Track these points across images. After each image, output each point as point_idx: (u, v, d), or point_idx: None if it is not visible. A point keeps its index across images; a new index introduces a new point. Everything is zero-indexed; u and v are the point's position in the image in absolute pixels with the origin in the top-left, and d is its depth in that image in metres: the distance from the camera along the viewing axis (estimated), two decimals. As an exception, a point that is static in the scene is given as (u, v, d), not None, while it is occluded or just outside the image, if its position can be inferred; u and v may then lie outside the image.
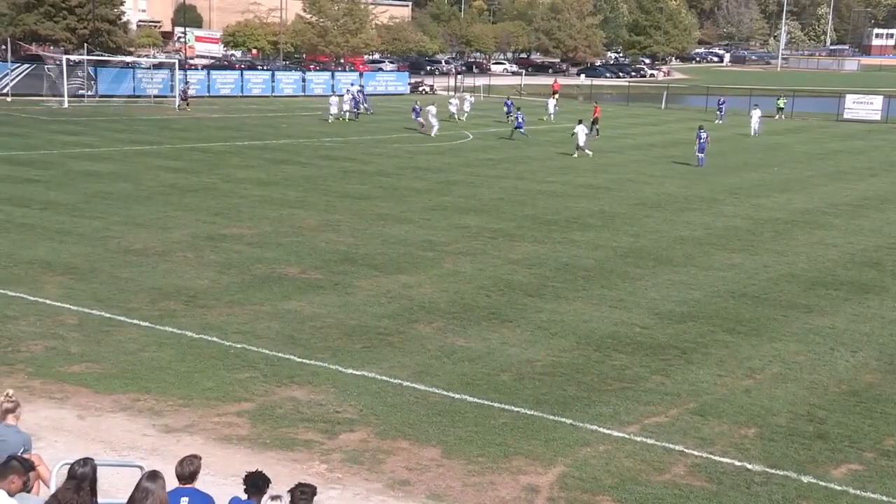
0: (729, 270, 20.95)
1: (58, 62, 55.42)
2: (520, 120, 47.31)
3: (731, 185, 34.12)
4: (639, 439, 11.84)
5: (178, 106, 54.65)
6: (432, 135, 46.34)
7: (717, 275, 20.50)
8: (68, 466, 7.43)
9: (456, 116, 54.13)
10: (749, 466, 11.19)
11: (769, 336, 16.31)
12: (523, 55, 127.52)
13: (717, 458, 11.36)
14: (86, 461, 7.33)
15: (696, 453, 11.48)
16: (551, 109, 58.97)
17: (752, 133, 52.59)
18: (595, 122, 50.14)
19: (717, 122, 58.53)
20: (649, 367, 14.50)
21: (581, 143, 40.66)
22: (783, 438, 12.03)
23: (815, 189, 34.20)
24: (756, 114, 53.45)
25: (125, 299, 16.78)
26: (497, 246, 22.47)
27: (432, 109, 48.16)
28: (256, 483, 7.53)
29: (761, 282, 20.07)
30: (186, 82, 59.36)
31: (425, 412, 12.45)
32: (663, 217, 27.22)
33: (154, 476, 7.11)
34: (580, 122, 42.10)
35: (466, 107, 56.79)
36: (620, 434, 11.97)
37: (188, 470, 7.47)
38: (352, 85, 62.18)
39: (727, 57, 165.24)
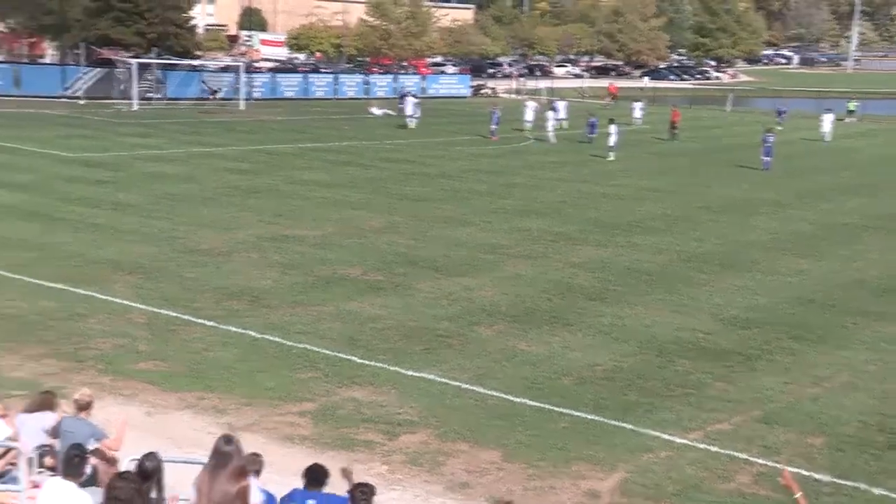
0: (796, 276, 20.57)
1: (128, 66, 56.56)
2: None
3: (799, 189, 33.49)
4: (702, 446, 11.68)
5: (211, 97, 54.51)
6: (552, 141, 45.40)
7: (784, 280, 20.13)
8: (137, 462, 7.59)
9: (528, 127, 48.15)
10: (817, 476, 10.96)
11: (837, 344, 15.97)
12: (585, 58, 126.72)
13: (783, 468, 11.14)
14: (153, 456, 7.48)
15: (761, 462, 11.29)
16: (637, 114, 56.10)
17: (823, 138, 51.02)
18: (674, 126, 49.28)
19: (777, 128, 55.06)
20: (712, 373, 14.30)
21: (612, 144, 40.04)
22: (853, 448, 11.76)
23: (887, 194, 33.40)
24: (828, 118, 51.68)
25: (191, 299, 17.06)
26: (559, 249, 22.36)
27: (548, 114, 47.40)
28: (317, 476, 7.60)
29: (830, 288, 19.67)
30: (211, 87, 59.03)
31: (485, 415, 12.44)
32: (728, 221, 26.83)
33: (230, 439, 7.15)
34: (612, 121, 41.32)
35: (563, 114, 52.25)
36: (683, 441, 11.83)
37: (252, 469, 7.57)
38: (410, 93, 59.24)
39: (796, 59, 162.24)
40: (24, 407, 9.49)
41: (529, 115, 48.79)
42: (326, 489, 7.67)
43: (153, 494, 7.40)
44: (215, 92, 54.08)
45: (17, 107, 50.38)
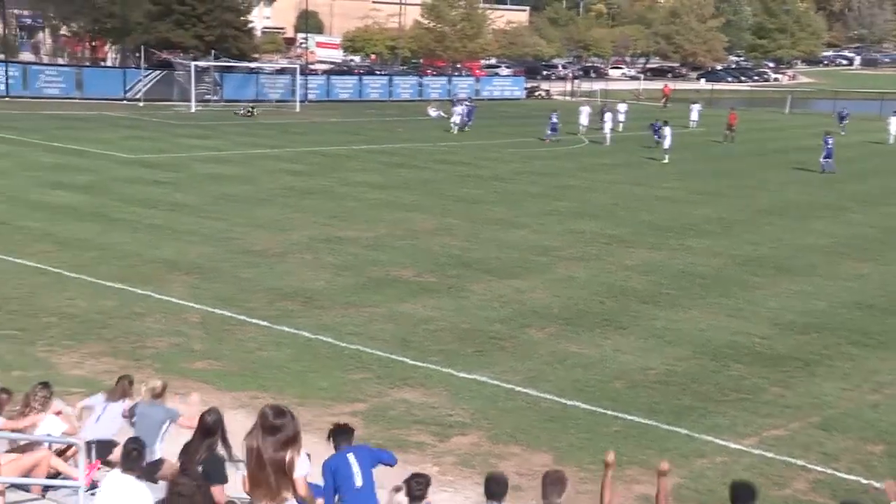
0: (855, 280, 20.17)
1: (187, 68, 57.37)
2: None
3: (859, 193, 32.84)
4: (757, 452, 11.51)
5: (244, 111, 53.63)
6: (607, 143, 44.91)
7: (843, 285, 19.75)
8: (199, 419, 7.98)
9: (582, 130, 47.98)
10: (877, 484, 10.71)
11: (899, 350, 15.61)
12: (640, 60, 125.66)
13: (841, 475, 10.94)
14: (214, 410, 7.88)
15: (818, 469, 11.09)
16: (694, 116, 54.81)
17: (888, 140, 49.79)
18: (731, 128, 48.02)
19: (840, 133, 50.80)
20: (769, 378, 14.08)
21: (666, 146, 39.61)
22: (913, 457, 11.49)
23: (950, 197, 32.59)
24: (895, 120, 50.40)
25: (245, 299, 17.25)
26: (611, 252, 22.19)
27: (607, 117, 46.57)
28: (344, 431, 8.15)
29: (891, 293, 19.25)
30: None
31: (537, 418, 12.40)
32: (785, 224, 26.41)
33: (282, 413, 7.27)
34: (666, 123, 40.91)
35: (621, 117, 51.25)
36: (737, 446, 11.67)
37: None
38: (462, 100, 56.99)
39: (857, 60, 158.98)
40: (108, 394, 9.98)
41: (584, 118, 48.48)
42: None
43: (220, 449, 7.60)
44: (251, 113, 53.37)
45: (78, 109, 51.44)
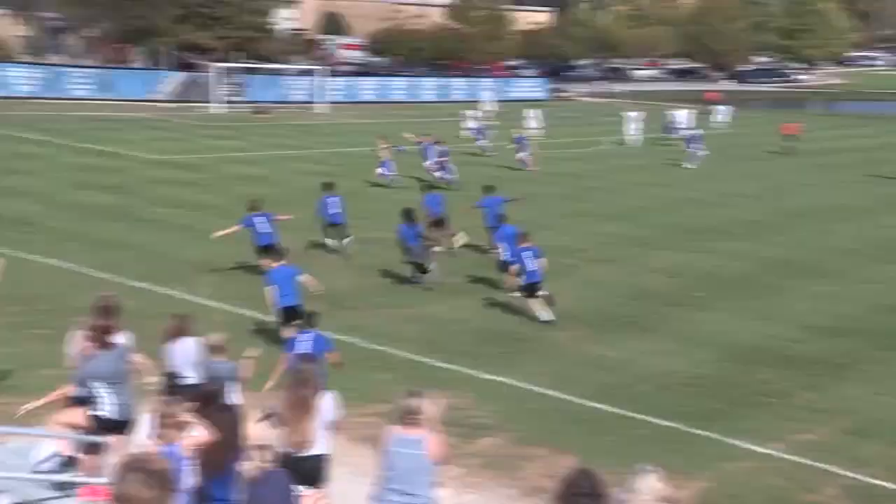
0: (887, 283, 19.96)
1: (212, 70, 57.70)
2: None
3: (890, 195, 32.50)
4: (786, 457, 11.41)
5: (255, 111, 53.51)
6: (633, 144, 43.82)
7: (874, 288, 19.56)
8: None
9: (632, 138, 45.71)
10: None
11: (929, 354, 15.43)
12: (665, 61, 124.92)
13: (872, 481, 10.82)
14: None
15: (849, 475, 10.96)
16: (720, 118, 53.80)
17: None
18: (788, 139, 44.70)
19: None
20: (797, 382, 13.96)
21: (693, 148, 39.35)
22: (945, 463, 11.34)
23: (981, 199, 32.20)
24: None
25: (271, 299, 17.25)
26: (637, 254, 22.08)
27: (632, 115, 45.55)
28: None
29: (921, 296, 19.02)
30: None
31: (563, 420, 12.35)
32: (814, 227, 26.18)
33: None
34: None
35: (685, 123, 47.80)
36: (765, 451, 11.56)
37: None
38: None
39: (886, 59, 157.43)
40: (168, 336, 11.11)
41: (632, 128, 45.99)
42: None
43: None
44: (260, 112, 53.41)
45: (106, 110, 51.82)
